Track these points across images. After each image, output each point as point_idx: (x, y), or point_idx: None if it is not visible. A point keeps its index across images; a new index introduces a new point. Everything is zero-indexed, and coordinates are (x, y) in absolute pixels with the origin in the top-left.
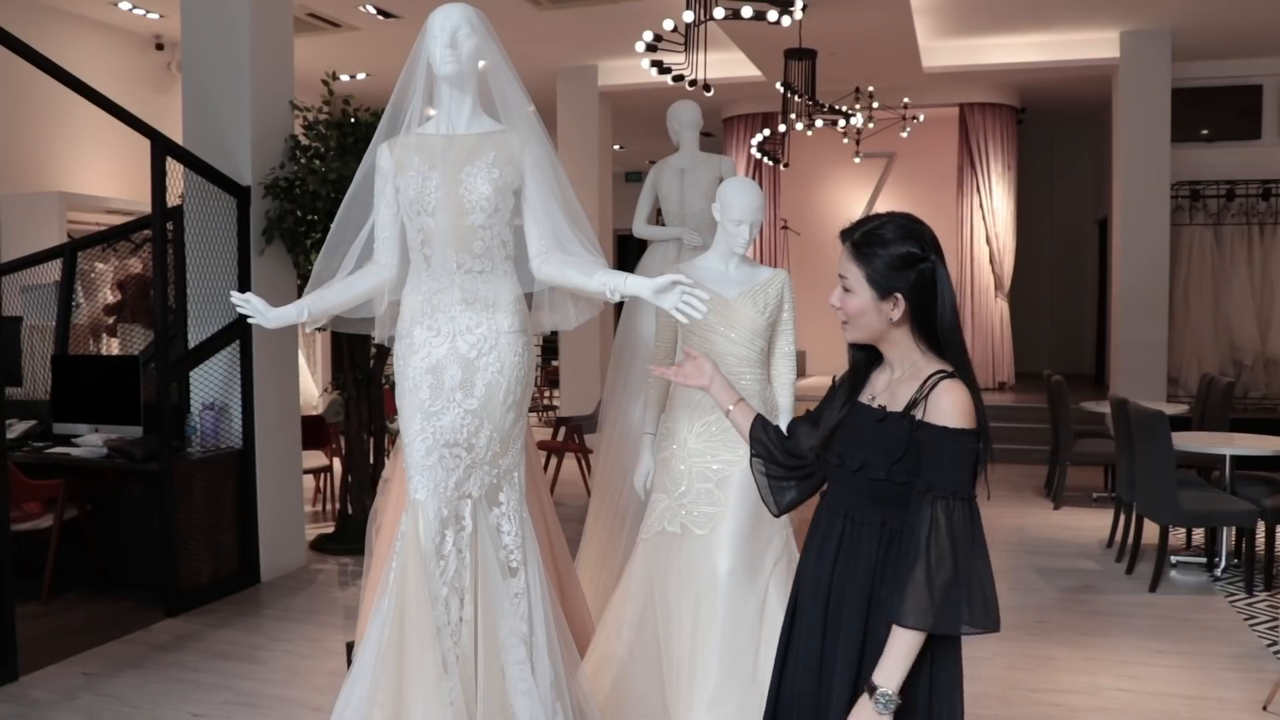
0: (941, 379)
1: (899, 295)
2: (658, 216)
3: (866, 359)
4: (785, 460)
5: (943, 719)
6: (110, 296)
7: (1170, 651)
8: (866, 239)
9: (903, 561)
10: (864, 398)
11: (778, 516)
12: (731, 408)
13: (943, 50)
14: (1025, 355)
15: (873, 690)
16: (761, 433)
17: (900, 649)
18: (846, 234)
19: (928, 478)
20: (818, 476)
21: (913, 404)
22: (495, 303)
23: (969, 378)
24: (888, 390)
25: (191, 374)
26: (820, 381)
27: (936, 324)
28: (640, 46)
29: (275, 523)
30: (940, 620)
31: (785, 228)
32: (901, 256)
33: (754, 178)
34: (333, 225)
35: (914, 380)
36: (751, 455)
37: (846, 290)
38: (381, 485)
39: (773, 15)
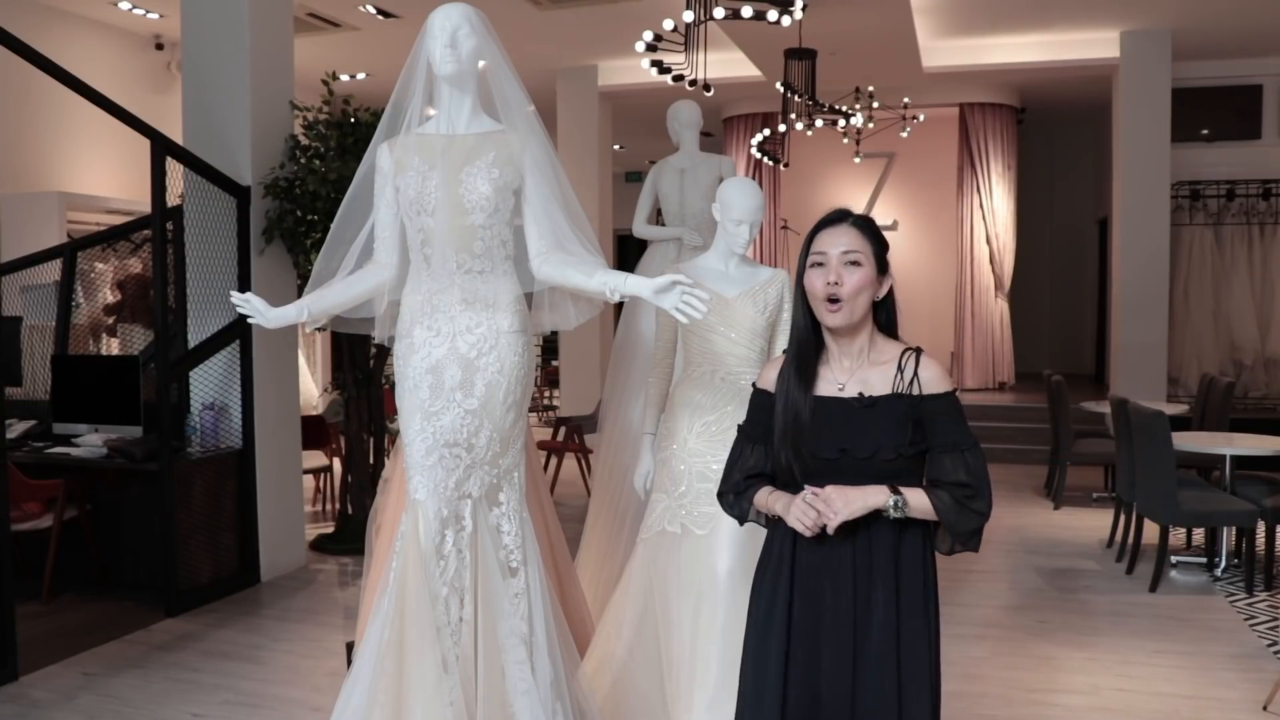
0: (916, 354)
1: (888, 274)
2: (658, 216)
3: (812, 357)
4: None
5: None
6: (110, 296)
7: (1170, 651)
8: (866, 220)
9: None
10: (822, 391)
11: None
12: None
13: (943, 50)
14: (1025, 355)
15: (896, 491)
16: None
17: (923, 504)
18: (842, 216)
19: (949, 437)
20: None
21: (906, 383)
22: (495, 303)
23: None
24: (854, 378)
25: (191, 374)
26: None
27: (891, 304)
28: (640, 46)
29: (275, 523)
30: (975, 536)
31: (785, 228)
32: (885, 241)
33: (754, 178)
34: (333, 225)
35: (877, 364)
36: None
37: (856, 264)
38: (381, 485)
39: (773, 15)
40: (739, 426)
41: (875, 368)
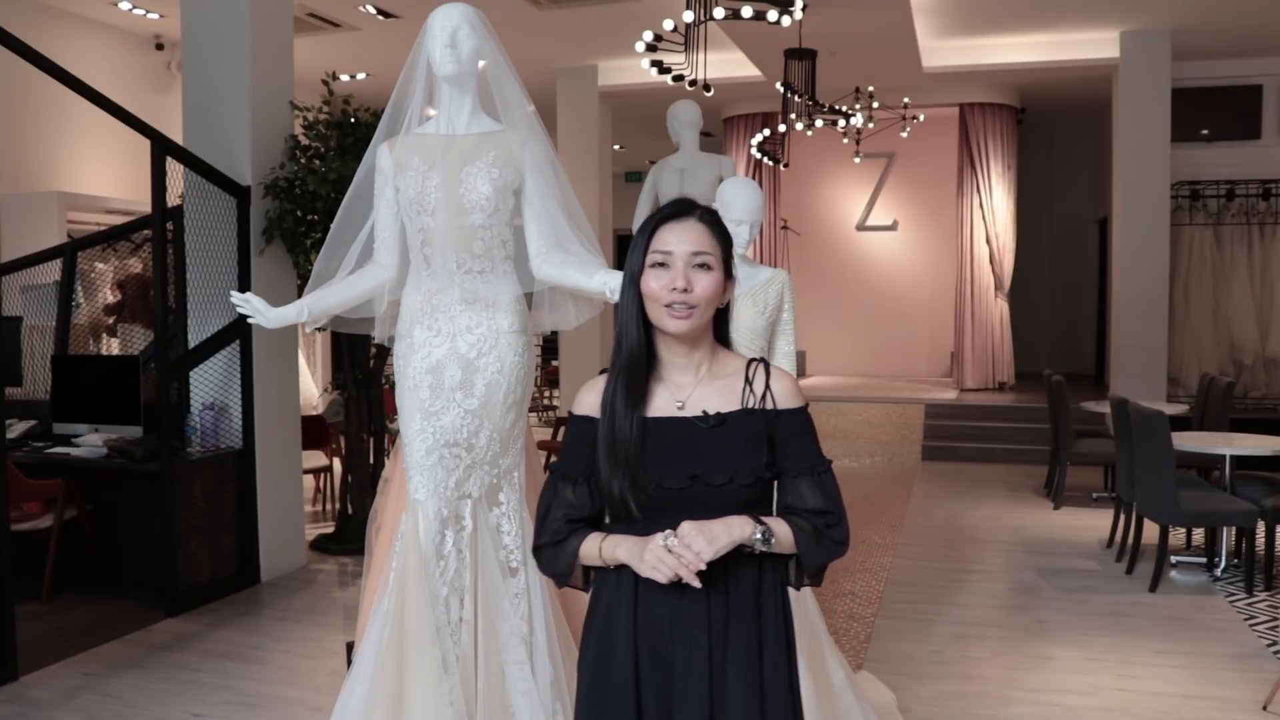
0: (764, 365)
1: (733, 279)
2: None
3: (644, 372)
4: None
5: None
6: (110, 296)
7: (1170, 651)
8: (713, 215)
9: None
10: (658, 412)
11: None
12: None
13: (943, 50)
14: (1025, 355)
15: (760, 522)
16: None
17: (787, 536)
18: (688, 209)
19: (805, 459)
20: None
21: (759, 397)
22: (495, 303)
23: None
24: (694, 395)
25: (191, 374)
26: (821, 382)
27: (728, 312)
28: (640, 46)
29: (275, 523)
30: (824, 571)
31: (785, 228)
32: (730, 239)
33: (754, 178)
34: (333, 225)
35: (718, 378)
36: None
37: (706, 268)
38: (381, 485)
39: (773, 15)
40: (551, 466)
41: (717, 381)
